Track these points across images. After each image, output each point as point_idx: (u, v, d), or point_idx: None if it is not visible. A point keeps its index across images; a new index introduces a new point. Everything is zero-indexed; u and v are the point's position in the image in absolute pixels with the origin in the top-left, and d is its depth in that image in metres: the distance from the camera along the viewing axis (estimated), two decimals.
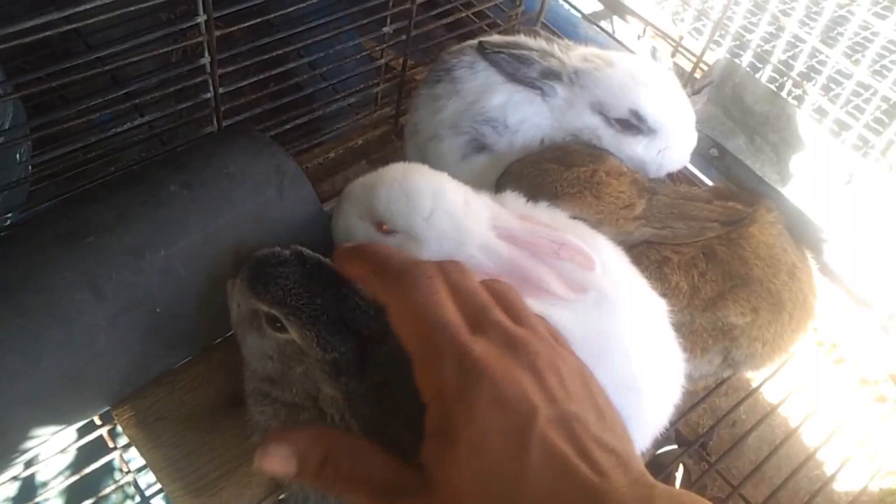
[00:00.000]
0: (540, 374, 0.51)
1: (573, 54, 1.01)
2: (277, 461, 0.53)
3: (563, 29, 1.41)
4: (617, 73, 0.98)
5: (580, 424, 0.50)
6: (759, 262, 0.97)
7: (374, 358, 0.69)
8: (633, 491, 0.48)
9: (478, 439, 0.49)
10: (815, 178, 1.08)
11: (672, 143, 1.01)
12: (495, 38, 1.03)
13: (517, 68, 0.99)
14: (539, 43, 1.01)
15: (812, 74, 1.91)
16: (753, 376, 1.05)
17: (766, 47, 1.91)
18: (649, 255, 0.95)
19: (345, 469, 0.54)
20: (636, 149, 1.00)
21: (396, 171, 0.83)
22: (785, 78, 1.61)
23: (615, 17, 1.59)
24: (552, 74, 0.99)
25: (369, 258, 0.60)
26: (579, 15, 1.55)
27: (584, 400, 0.53)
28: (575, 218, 0.89)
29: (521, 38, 1.02)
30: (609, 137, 1.00)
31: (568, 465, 0.48)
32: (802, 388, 1.06)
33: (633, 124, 0.99)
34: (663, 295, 0.88)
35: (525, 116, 1.01)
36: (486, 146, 1.02)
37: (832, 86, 1.89)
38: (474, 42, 1.02)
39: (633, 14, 1.49)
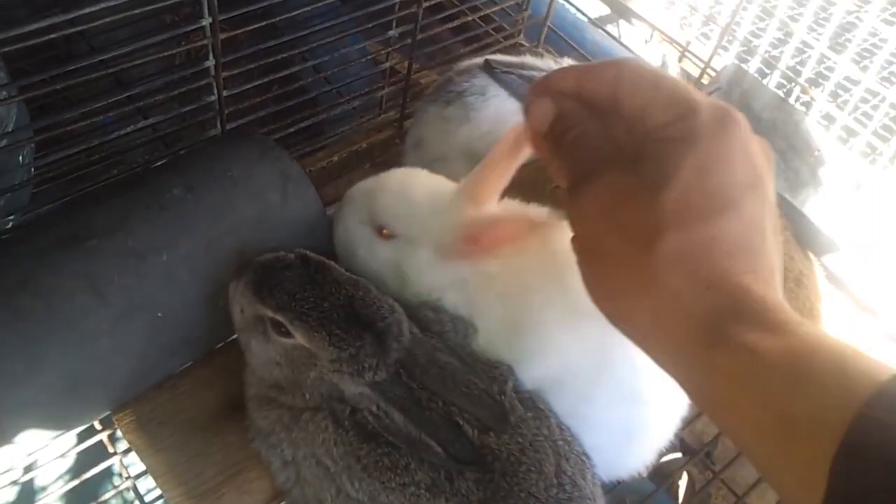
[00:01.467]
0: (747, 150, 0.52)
1: None
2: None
3: (569, 33, 1.40)
4: None
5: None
6: None
7: (395, 347, 0.69)
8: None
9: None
10: (822, 185, 1.08)
11: None
12: (501, 56, 1.01)
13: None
14: (547, 63, 1.00)
15: (820, 81, 1.90)
16: None
17: (774, 53, 1.91)
18: None
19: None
20: None
21: (396, 176, 0.83)
22: (793, 84, 1.60)
23: (622, 22, 1.58)
24: None
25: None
26: (585, 19, 1.54)
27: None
28: None
29: (528, 59, 1.01)
30: None
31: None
32: None
33: None
34: None
35: None
36: None
37: (840, 92, 1.88)
38: (481, 61, 1.01)
39: (640, 18, 1.48)
